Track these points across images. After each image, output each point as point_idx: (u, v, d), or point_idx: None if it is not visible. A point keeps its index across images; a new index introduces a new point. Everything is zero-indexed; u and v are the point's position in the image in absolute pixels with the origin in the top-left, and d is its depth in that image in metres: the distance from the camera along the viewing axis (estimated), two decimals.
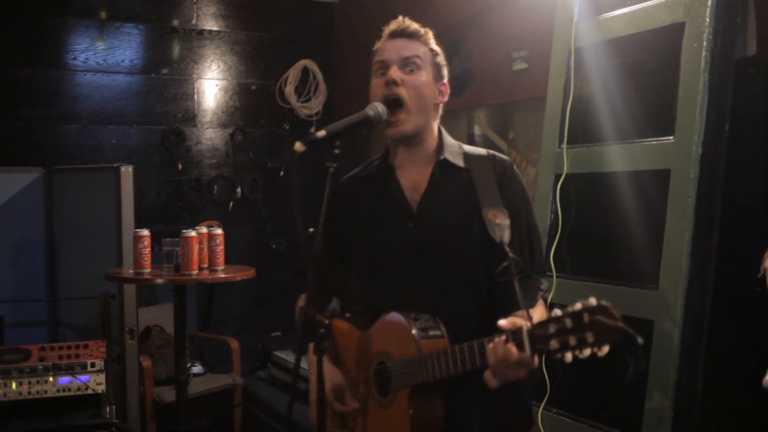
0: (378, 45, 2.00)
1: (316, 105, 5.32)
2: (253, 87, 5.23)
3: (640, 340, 1.35)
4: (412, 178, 1.98)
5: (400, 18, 2.00)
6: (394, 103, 1.90)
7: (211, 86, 5.11)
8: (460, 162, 1.97)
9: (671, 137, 2.48)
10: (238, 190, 5.16)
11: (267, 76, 5.27)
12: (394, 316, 1.90)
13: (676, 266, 2.41)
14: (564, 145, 2.87)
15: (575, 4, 2.89)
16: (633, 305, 2.49)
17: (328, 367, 2.02)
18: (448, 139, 2.02)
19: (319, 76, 5.33)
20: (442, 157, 1.96)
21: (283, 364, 4.49)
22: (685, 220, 2.40)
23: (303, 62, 5.30)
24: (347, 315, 2.17)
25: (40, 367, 3.18)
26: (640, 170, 2.60)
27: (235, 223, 5.02)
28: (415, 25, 1.97)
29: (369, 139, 4.96)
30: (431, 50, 1.98)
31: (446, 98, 2.00)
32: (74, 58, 4.65)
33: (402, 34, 1.96)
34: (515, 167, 2.02)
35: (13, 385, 3.11)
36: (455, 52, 3.99)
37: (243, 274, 3.13)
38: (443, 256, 1.93)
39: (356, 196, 2.08)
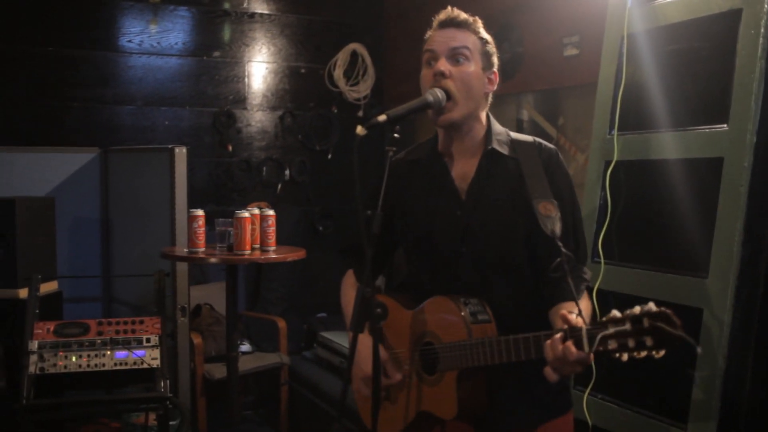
0: (428, 34, 2.02)
1: (364, 89, 5.36)
2: (303, 70, 5.28)
3: (699, 350, 1.38)
4: (461, 166, 2.02)
5: (449, 7, 2.01)
6: None
7: (262, 69, 5.17)
8: (507, 151, 1.99)
9: (725, 125, 2.46)
10: (287, 172, 5.23)
11: (316, 59, 5.32)
12: (444, 299, 1.94)
13: (727, 255, 2.39)
14: (615, 132, 2.86)
15: None
16: (682, 293, 2.49)
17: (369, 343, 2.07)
18: (497, 127, 2.04)
19: (368, 60, 5.35)
20: (490, 147, 1.99)
21: (329, 345, 4.56)
22: (737, 209, 2.38)
23: (352, 46, 5.33)
24: (392, 293, 2.22)
25: (99, 341, 3.29)
26: (692, 158, 2.58)
27: (283, 204, 5.09)
28: (464, 15, 1.98)
29: (414, 123, 4.98)
30: (481, 39, 1.98)
31: (495, 87, 2.02)
32: (129, 41, 4.76)
33: (451, 23, 1.97)
34: (560, 155, 2.04)
35: (73, 358, 3.22)
36: (505, 37, 3.99)
37: (294, 254, 3.19)
38: (488, 244, 1.96)
39: (405, 179, 2.12)
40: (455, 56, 1.94)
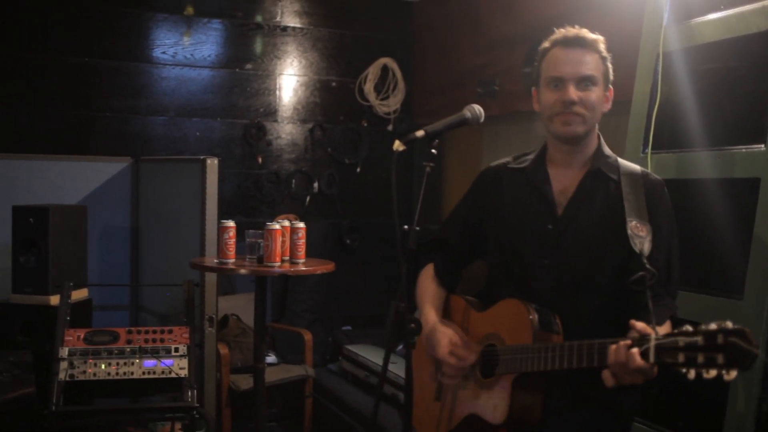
0: (548, 46, 2.01)
1: (394, 103, 5.37)
2: (334, 84, 5.31)
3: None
4: (563, 181, 2.02)
5: (576, 27, 1.99)
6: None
7: (293, 82, 5.20)
8: (612, 174, 1.99)
9: (762, 145, 2.43)
10: (316, 184, 5.24)
11: (347, 73, 5.34)
12: (516, 302, 1.94)
13: (763, 276, 2.36)
14: (648, 150, 2.84)
15: (665, 8, 2.85)
16: (716, 315, 2.44)
17: (445, 327, 2.08)
18: (606, 149, 2.04)
19: (398, 74, 5.37)
20: (596, 168, 1.99)
21: (354, 358, 4.55)
22: None
23: (383, 60, 5.35)
24: (464, 295, 2.22)
25: (128, 349, 3.30)
26: (728, 178, 2.55)
27: (311, 217, 5.09)
28: (591, 35, 1.97)
29: (444, 138, 4.97)
30: (602, 58, 1.98)
31: (610, 105, 2.02)
32: (163, 53, 4.81)
33: (579, 43, 1.96)
34: (665, 188, 2.02)
35: (102, 366, 3.24)
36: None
37: (323, 267, 3.19)
38: (573, 263, 1.96)
39: (503, 185, 2.13)
40: (583, 82, 1.94)
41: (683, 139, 2.73)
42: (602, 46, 1.99)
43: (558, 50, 1.97)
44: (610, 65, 2.01)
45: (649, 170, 2.74)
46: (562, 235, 1.97)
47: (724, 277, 2.51)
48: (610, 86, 2.02)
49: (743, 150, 2.51)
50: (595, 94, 1.95)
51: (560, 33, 2.00)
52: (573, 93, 1.92)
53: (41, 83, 4.55)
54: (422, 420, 2.13)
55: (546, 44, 2.02)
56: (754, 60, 2.54)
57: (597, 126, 2.04)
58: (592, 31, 3.64)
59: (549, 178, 2.03)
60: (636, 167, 2.05)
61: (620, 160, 2.05)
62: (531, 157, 2.11)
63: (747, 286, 2.41)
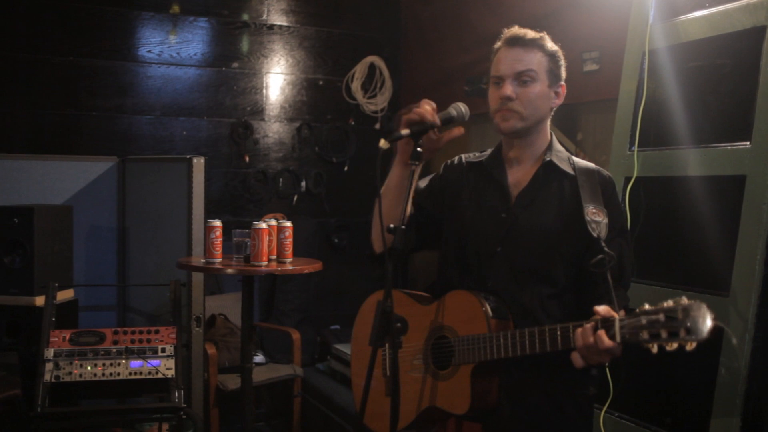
0: (497, 47, 2.05)
1: (381, 101, 5.36)
2: (321, 82, 5.30)
3: (734, 340, 1.40)
4: (518, 174, 2.07)
5: (517, 27, 2.04)
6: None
7: (279, 80, 5.19)
8: (566, 168, 2.03)
9: (747, 143, 2.44)
10: (303, 183, 5.23)
11: (334, 71, 5.33)
12: (465, 293, 1.98)
13: (749, 273, 2.37)
14: (635, 148, 2.84)
15: (651, 6, 2.86)
16: None
17: None
18: (557, 145, 2.10)
19: (386, 72, 5.36)
20: (548, 159, 2.03)
21: (343, 357, 4.54)
22: (759, 227, 2.36)
23: (370, 58, 5.34)
24: (405, 290, 2.24)
25: (114, 350, 3.29)
26: (714, 175, 2.56)
27: (299, 216, 5.09)
28: (531, 34, 2.01)
29: None
30: (547, 56, 2.01)
31: (562, 100, 2.06)
32: (149, 51, 4.79)
33: (518, 42, 2.00)
34: (615, 186, 2.09)
35: (89, 367, 3.22)
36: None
37: (311, 266, 3.18)
38: (525, 252, 1.99)
39: (462, 178, 2.18)
40: (521, 78, 1.98)
41: (669, 137, 2.74)
42: (548, 44, 2.03)
43: (502, 50, 2.03)
44: (560, 62, 2.05)
45: (635, 168, 2.78)
46: (515, 224, 2.01)
47: (711, 273, 2.52)
48: (562, 83, 2.06)
49: (729, 147, 2.52)
50: (535, 89, 1.98)
51: (505, 33, 2.05)
52: (508, 89, 1.97)
53: (26, 82, 4.52)
54: (375, 416, 2.12)
55: (497, 44, 2.07)
56: (740, 57, 2.55)
57: (548, 122, 2.08)
58: (575, 29, 3.68)
59: (505, 170, 2.08)
60: (590, 164, 2.11)
61: (573, 157, 2.10)
62: (488, 152, 2.17)
63: (733, 283, 2.42)
